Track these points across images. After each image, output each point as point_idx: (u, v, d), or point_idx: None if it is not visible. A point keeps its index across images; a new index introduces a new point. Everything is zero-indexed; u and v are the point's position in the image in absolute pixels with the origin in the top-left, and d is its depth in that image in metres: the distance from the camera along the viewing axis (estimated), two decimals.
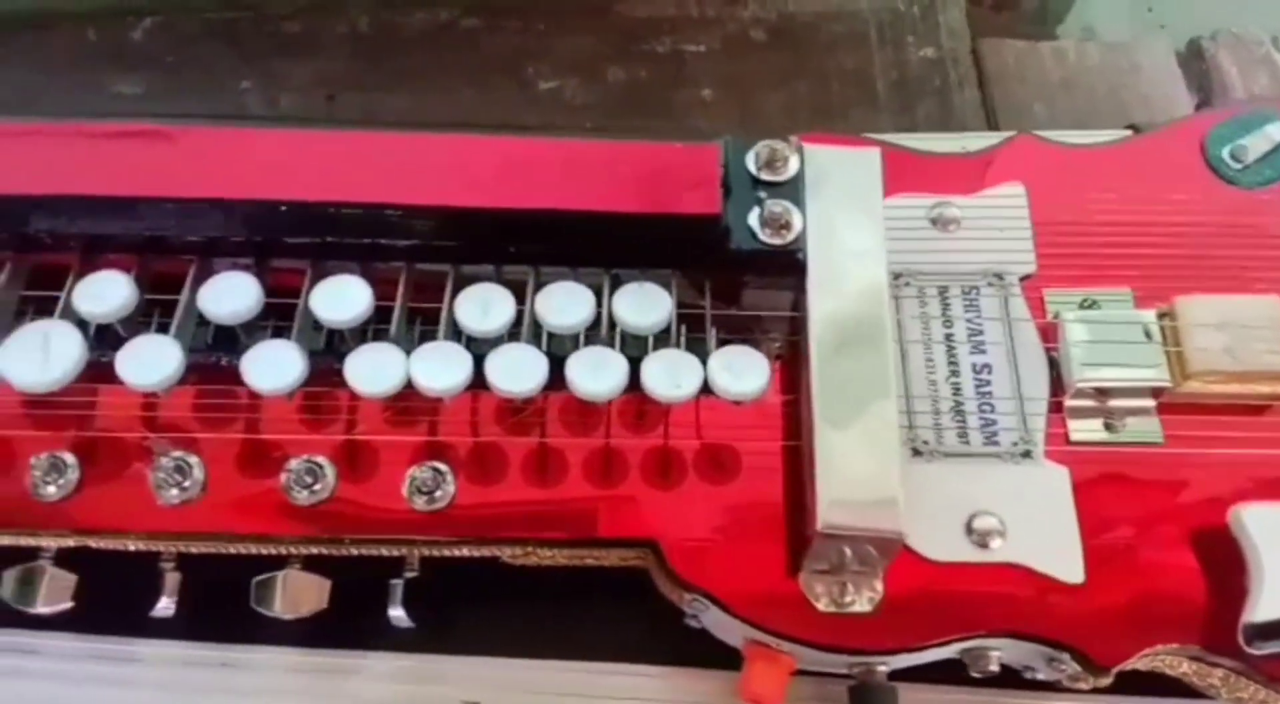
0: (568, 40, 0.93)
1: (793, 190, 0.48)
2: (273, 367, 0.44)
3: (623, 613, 0.54)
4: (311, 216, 0.46)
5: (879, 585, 0.46)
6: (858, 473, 0.44)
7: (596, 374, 0.44)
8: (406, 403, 0.49)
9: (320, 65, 0.90)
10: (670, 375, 0.44)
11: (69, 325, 0.45)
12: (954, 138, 0.59)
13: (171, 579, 0.49)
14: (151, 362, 0.44)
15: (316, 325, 0.48)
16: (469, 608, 0.53)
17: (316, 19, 0.93)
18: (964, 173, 0.56)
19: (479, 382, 0.46)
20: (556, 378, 0.46)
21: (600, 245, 0.48)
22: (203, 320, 0.47)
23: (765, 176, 0.48)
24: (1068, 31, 1.10)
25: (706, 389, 0.46)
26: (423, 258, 0.48)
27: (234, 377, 0.46)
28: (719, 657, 0.51)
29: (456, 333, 0.47)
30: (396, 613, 0.48)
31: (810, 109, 0.90)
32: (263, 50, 0.91)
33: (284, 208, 0.46)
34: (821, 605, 0.47)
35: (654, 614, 0.52)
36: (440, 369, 0.44)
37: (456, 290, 0.48)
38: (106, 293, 0.45)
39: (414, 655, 0.54)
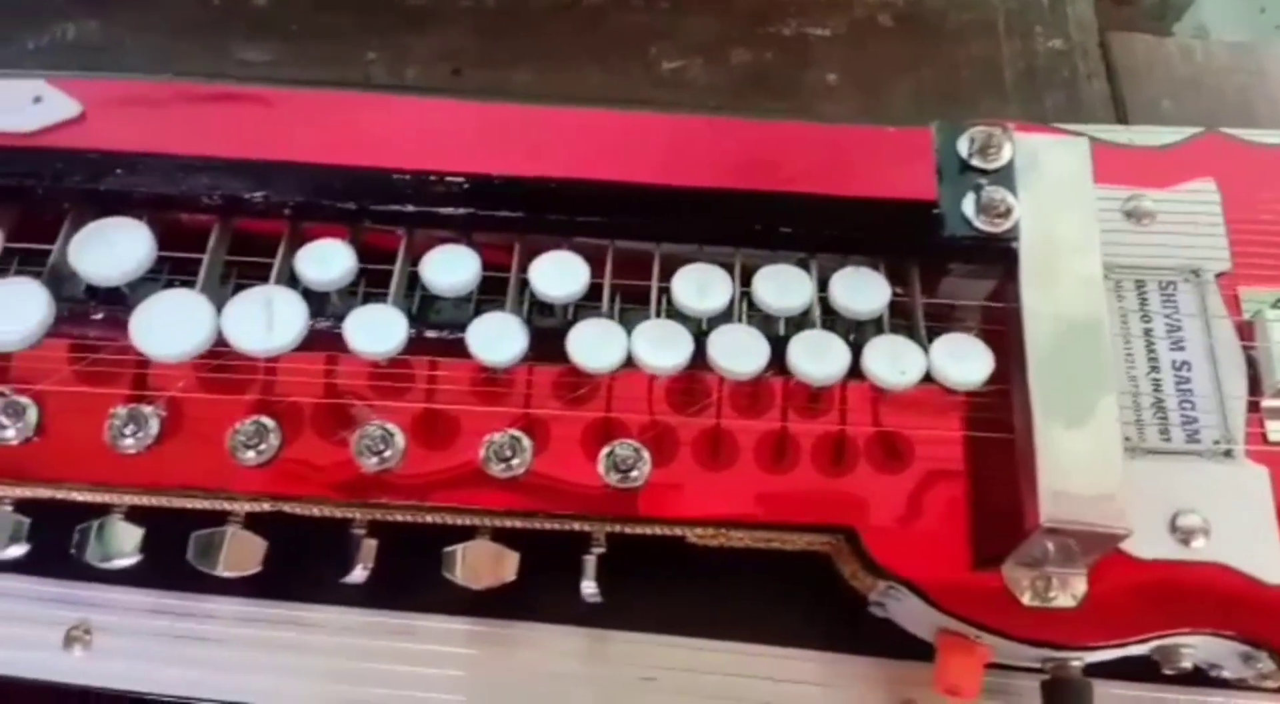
0: (692, 21, 0.92)
1: (1006, 177, 0.48)
2: (497, 339, 0.44)
3: (788, 595, 0.54)
4: (547, 192, 0.46)
5: (1084, 581, 0.46)
6: (1080, 467, 0.43)
7: (820, 358, 0.44)
8: (600, 380, 0.49)
9: (445, 39, 0.90)
10: (893, 362, 0.44)
11: (291, 291, 0.45)
12: (1136, 131, 0.58)
13: (367, 546, 0.49)
14: (380, 330, 0.44)
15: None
16: (646, 586, 0.53)
17: None
18: (1154, 166, 0.55)
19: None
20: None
21: (808, 229, 0.47)
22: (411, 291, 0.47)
23: (978, 163, 0.48)
24: (1182, 29, 1.09)
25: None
26: (631, 235, 0.48)
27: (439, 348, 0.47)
28: (878, 643, 0.52)
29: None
30: (590, 588, 0.48)
31: (938, 96, 0.89)
32: (387, 22, 0.91)
33: (516, 182, 0.45)
34: (1025, 599, 0.46)
35: (815, 598, 0.52)
36: (663, 347, 0.44)
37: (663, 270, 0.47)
38: (330, 260, 0.45)
39: (588, 630, 0.54)
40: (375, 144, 0.49)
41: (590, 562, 0.49)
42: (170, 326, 0.44)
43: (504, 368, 0.45)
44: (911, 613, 0.48)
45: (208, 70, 0.89)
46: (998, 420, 0.49)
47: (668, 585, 0.53)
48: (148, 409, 0.49)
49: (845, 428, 0.50)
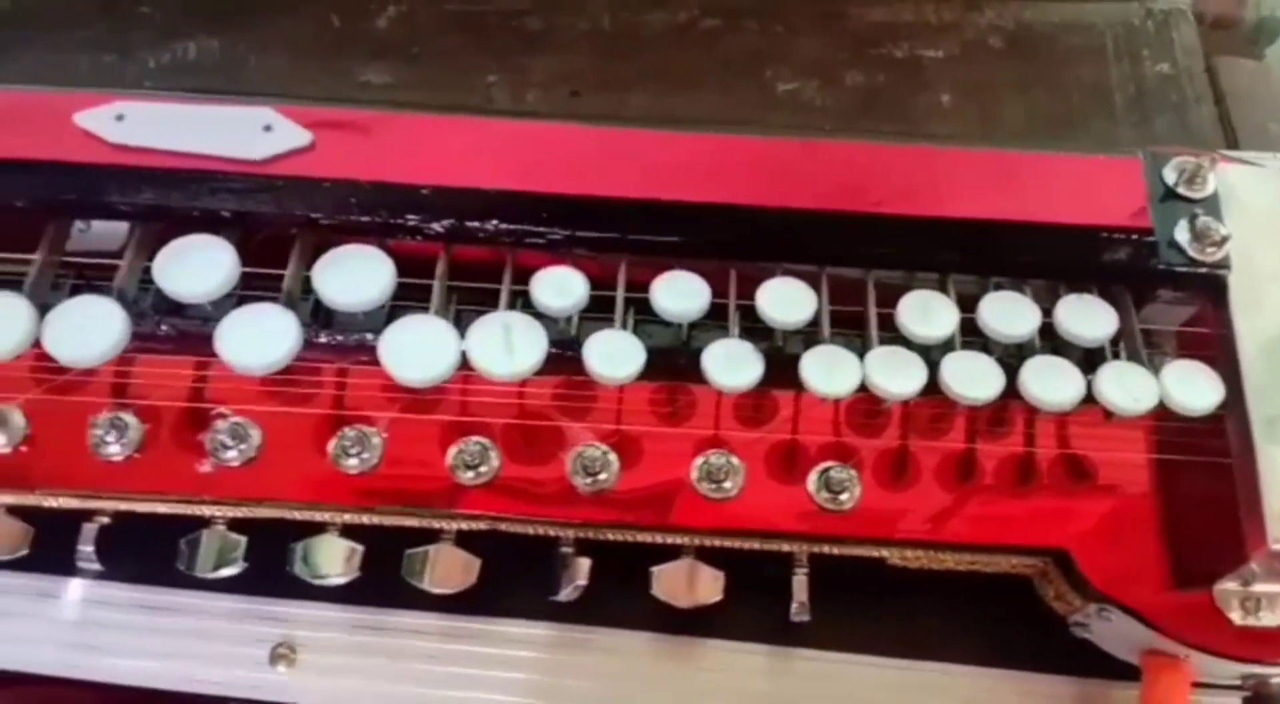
0: (805, 43, 0.93)
1: (1213, 207, 0.49)
2: (733, 365, 0.45)
3: (974, 616, 0.55)
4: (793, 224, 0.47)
5: None
6: None
7: (1054, 384, 0.45)
8: (812, 405, 0.51)
9: (564, 61, 0.91)
10: (1126, 388, 0.45)
11: (528, 318, 0.46)
12: None
13: (579, 564, 0.50)
14: (620, 356, 0.45)
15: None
16: (836, 606, 0.54)
17: (558, 15, 0.94)
18: None
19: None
20: None
21: (1024, 256, 0.48)
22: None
23: (1184, 192, 0.49)
24: (1275, 53, 1.10)
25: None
26: (849, 263, 0.49)
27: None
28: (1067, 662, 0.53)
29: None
30: (801, 603, 0.49)
31: (1049, 119, 0.90)
32: (507, 45, 0.92)
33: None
34: (1235, 618, 0.47)
35: (1002, 618, 0.53)
36: (896, 373, 0.45)
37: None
38: (568, 287, 0.46)
39: (772, 648, 0.55)
40: (612, 174, 0.50)
41: (801, 582, 0.50)
42: (418, 351, 0.45)
43: (739, 392, 0.46)
44: (1119, 634, 0.49)
45: (330, 92, 0.91)
46: (1193, 444, 0.50)
47: (863, 606, 0.54)
48: (370, 430, 0.50)
49: (1049, 452, 0.51)
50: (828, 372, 0.45)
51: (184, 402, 0.50)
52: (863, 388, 0.45)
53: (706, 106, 0.91)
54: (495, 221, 0.47)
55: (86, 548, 0.50)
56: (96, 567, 0.51)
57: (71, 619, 0.55)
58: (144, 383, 0.51)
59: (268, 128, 0.48)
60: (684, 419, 0.52)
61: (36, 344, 0.46)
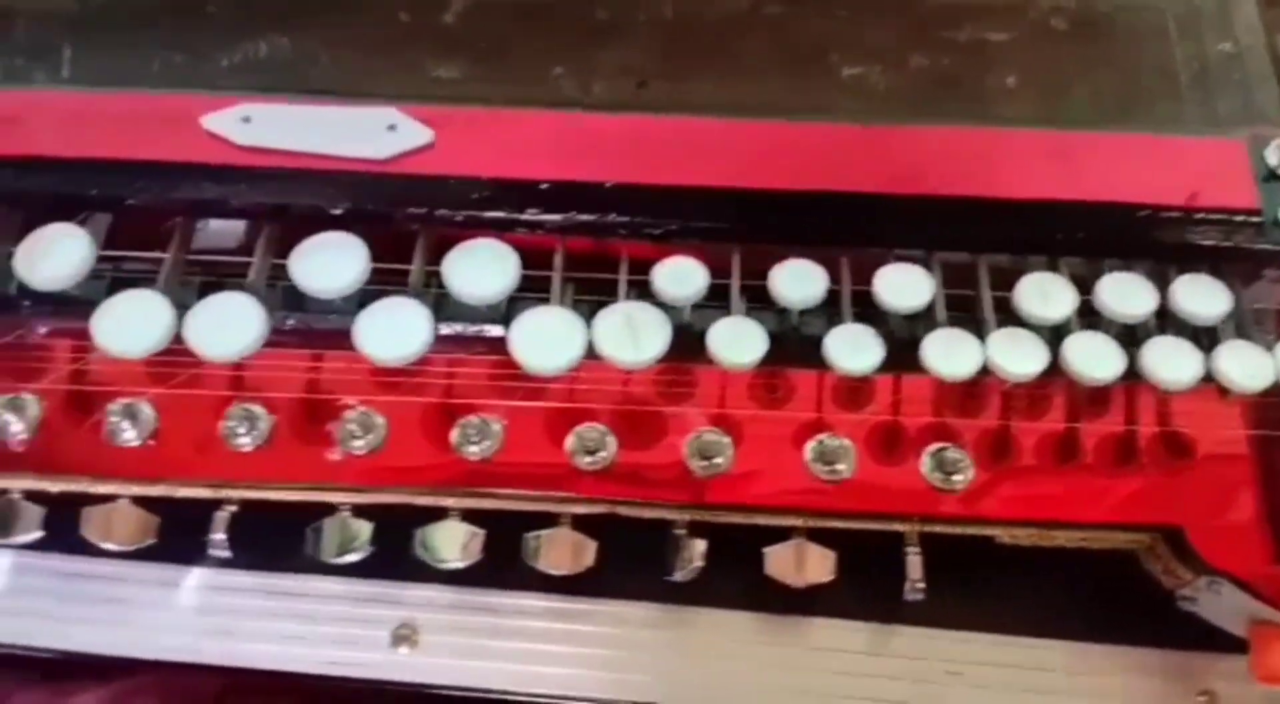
0: (869, 27, 0.93)
1: None
2: (856, 349, 0.46)
3: (1080, 591, 0.55)
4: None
5: None
6: None
7: (1176, 363, 0.46)
8: (913, 386, 0.52)
9: (629, 53, 0.92)
10: (1243, 367, 0.46)
11: (650, 307, 0.47)
12: None
13: (694, 546, 0.52)
14: (742, 342, 0.46)
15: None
16: (943, 583, 0.55)
17: (622, 7, 0.95)
18: None
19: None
20: None
21: (1134, 238, 0.49)
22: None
23: None
24: None
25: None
26: (959, 248, 0.50)
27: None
28: (1172, 635, 0.54)
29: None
30: (915, 581, 0.51)
31: (1116, 99, 0.90)
32: (572, 38, 0.93)
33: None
34: None
35: (1108, 593, 0.54)
36: (1019, 355, 0.46)
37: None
38: (688, 276, 0.47)
39: (882, 625, 0.56)
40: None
41: (915, 562, 0.51)
42: (547, 341, 0.46)
43: (861, 376, 0.47)
44: (1227, 606, 0.50)
45: (402, 88, 0.92)
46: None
47: (963, 582, 0.55)
48: (491, 419, 0.51)
49: (1151, 429, 0.52)
50: (947, 354, 0.46)
51: (310, 393, 0.52)
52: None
53: (772, 94, 0.92)
54: (613, 215, 0.49)
55: (219, 536, 0.52)
56: (227, 554, 0.52)
57: (197, 606, 0.57)
58: (267, 375, 0.53)
59: (391, 127, 0.49)
60: (788, 403, 0.53)
61: None
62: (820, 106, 0.91)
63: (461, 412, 0.52)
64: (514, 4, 0.97)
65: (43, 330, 0.53)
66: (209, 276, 0.52)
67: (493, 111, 0.53)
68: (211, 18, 0.92)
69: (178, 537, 0.54)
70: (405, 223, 0.49)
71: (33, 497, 0.53)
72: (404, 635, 0.55)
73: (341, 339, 0.48)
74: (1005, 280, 0.50)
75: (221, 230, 0.54)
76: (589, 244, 0.53)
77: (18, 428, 0.51)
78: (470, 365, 0.53)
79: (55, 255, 0.47)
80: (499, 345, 0.52)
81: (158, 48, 0.81)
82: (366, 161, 0.49)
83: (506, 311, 0.51)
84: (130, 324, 0.46)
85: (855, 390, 0.53)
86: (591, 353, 0.47)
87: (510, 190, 0.49)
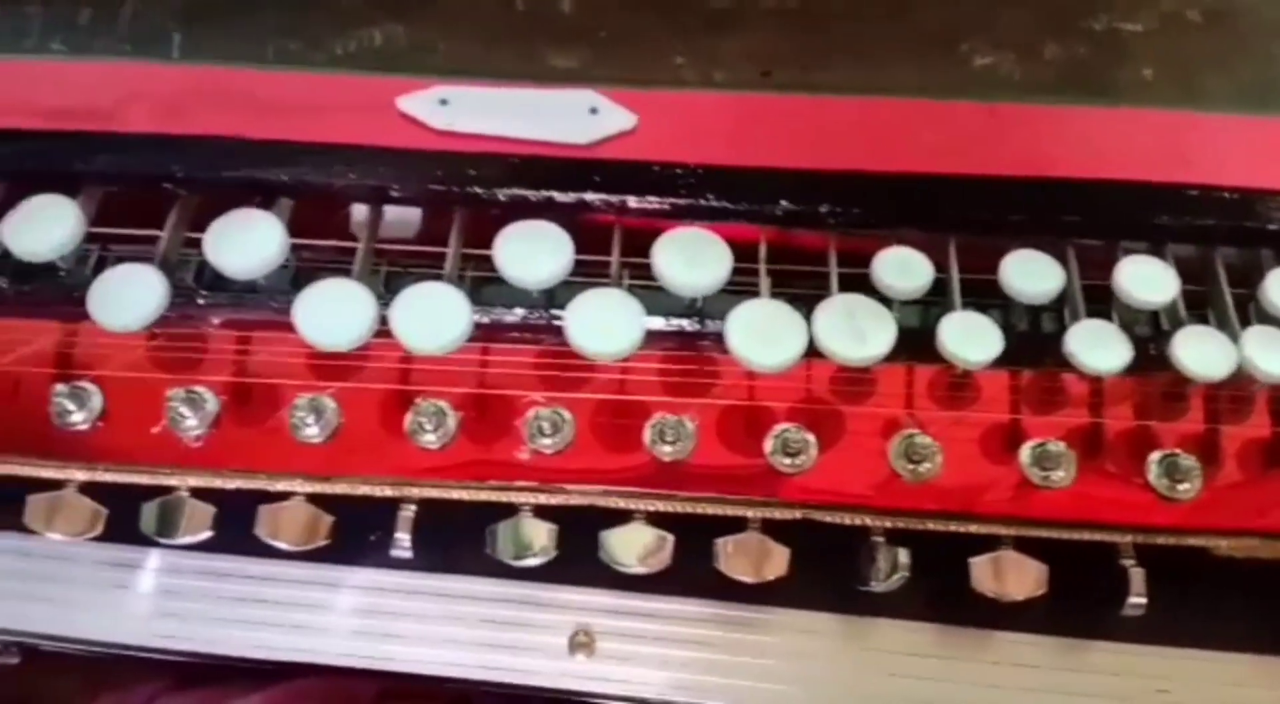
0: (1000, 15, 0.90)
1: None
2: (1098, 348, 0.44)
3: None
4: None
5: None
6: None
7: None
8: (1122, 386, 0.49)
9: (752, 39, 0.89)
10: None
11: (871, 301, 0.45)
12: None
13: (896, 555, 0.49)
14: (979, 338, 0.44)
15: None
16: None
17: None
18: None
19: None
20: None
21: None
22: None
23: None
24: None
25: None
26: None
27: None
28: None
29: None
30: (1139, 599, 0.48)
31: (1255, 91, 0.87)
32: (693, 25, 0.90)
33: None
34: None
35: None
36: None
37: None
38: (913, 268, 0.45)
39: (1079, 641, 0.53)
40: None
41: (1137, 576, 0.48)
42: (769, 337, 0.44)
43: (1105, 376, 0.45)
44: None
45: (521, 76, 0.90)
46: None
47: (1172, 595, 0.53)
48: (686, 418, 0.49)
49: None
50: (1200, 354, 0.43)
51: (499, 390, 0.50)
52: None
53: (902, 81, 0.89)
54: (828, 205, 0.46)
55: (404, 536, 0.50)
56: (409, 554, 0.50)
57: (362, 608, 0.55)
58: (451, 370, 0.51)
59: (593, 111, 0.47)
60: (994, 405, 0.51)
61: None
62: (951, 95, 0.88)
63: (648, 410, 0.50)
64: None
65: (217, 321, 0.51)
66: (392, 266, 0.50)
67: (698, 94, 0.50)
68: (326, 5, 0.91)
69: (341, 536, 0.52)
70: (605, 211, 0.47)
71: (201, 494, 0.51)
72: (582, 643, 0.53)
73: (527, 333, 0.46)
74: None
75: (402, 218, 0.52)
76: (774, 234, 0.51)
77: (192, 423, 0.49)
78: (660, 361, 0.51)
79: (243, 243, 0.45)
80: (690, 341, 0.50)
81: (271, 33, 0.79)
82: (568, 147, 0.47)
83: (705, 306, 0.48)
84: (329, 315, 0.44)
85: (1052, 390, 0.51)
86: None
87: (721, 177, 0.47)
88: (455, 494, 0.50)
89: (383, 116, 0.47)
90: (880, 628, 0.54)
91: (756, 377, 0.50)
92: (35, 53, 0.52)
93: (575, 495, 0.50)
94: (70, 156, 0.47)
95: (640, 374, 0.51)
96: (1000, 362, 0.49)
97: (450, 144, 0.47)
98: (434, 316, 0.44)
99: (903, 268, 0.45)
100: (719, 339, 0.46)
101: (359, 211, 0.53)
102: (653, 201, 0.46)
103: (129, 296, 0.44)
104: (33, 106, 0.49)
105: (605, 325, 0.44)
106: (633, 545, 0.50)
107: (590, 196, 0.46)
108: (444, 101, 0.47)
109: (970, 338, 0.44)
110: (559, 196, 0.46)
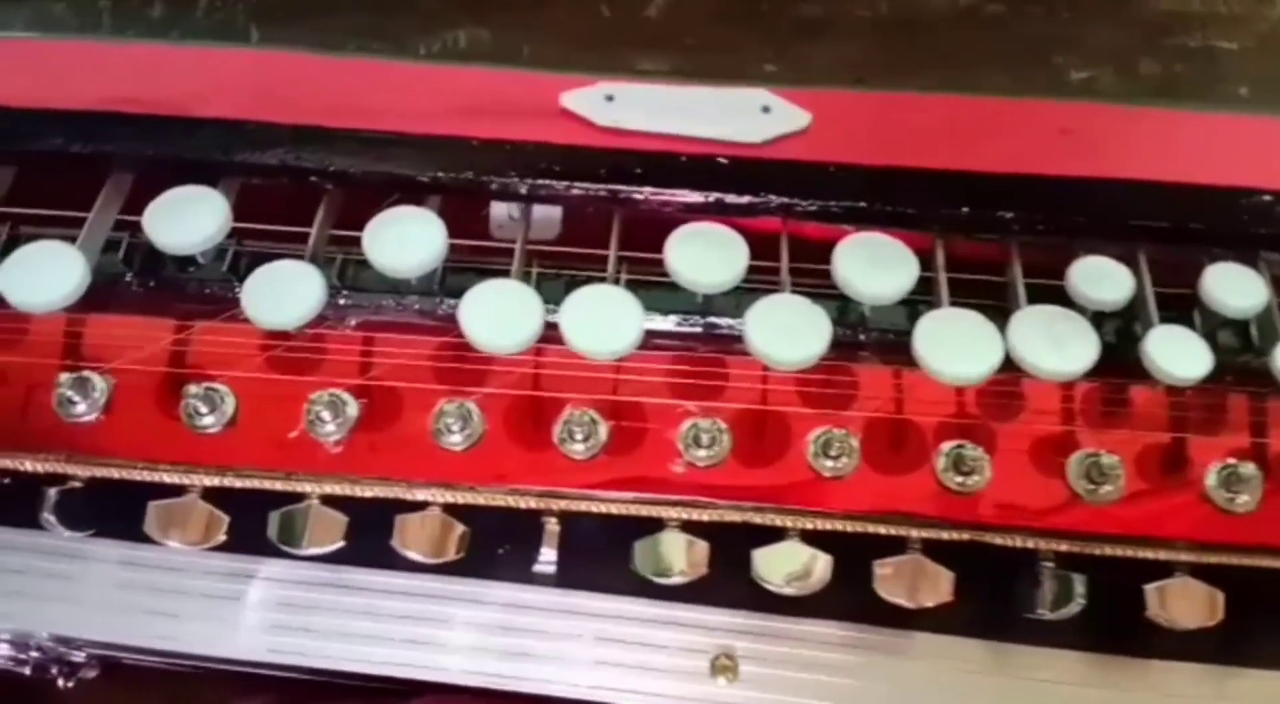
0: (1095, 30, 0.89)
1: None
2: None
3: None
4: None
5: None
6: None
7: None
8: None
9: (843, 48, 0.88)
10: None
11: (1069, 312, 0.43)
12: None
13: (1071, 581, 0.47)
14: (1188, 354, 0.42)
15: None
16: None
17: (834, 2, 0.91)
18: None
19: None
20: None
21: None
22: None
23: None
24: None
25: None
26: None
27: None
28: None
29: None
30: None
31: None
32: (783, 33, 0.89)
33: None
34: None
35: None
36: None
37: None
38: (1113, 278, 0.43)
39: (1230, 669, 0.51)
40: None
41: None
42: (961, 348, 0.42)
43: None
44: None
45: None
46: None
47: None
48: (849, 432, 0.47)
49: None
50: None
51: (654, 398, 0.48)
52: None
53: (994, 92, 0.88)
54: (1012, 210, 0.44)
55: (549, 552, 0.47)
56: (553, 571, 0.48)
57: (489, 624, 0.52)
58: (600, 377, 0.48)
59: (765, 109, 0.45)
60: (1170, 423, 0.48)
61: None
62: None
63: (810, 425, 0.47)
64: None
65: (353, 323, 0.48)
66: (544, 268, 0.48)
67: (869, 95, 0.48)
68: (409, 7, 0.90)
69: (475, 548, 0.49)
70: (777, 213, 0.45)
71: (331, 502, 0.49)
72: (724, 666, 0.51)
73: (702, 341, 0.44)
74: None
75: (545, 218, 0.49)
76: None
77: (331, 428, 0.47)
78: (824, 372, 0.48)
79: (401, 241, 0.43)
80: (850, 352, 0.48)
81: (350, 34, 0.77)
82: (740, 146, 0.45)
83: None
84: (498, 318, 0.42)
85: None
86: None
87: (893, 180, 0.45)
88: (602, 508, 0.47)
89: (548, 112, 0.45)
90: (1033, 656, 0.52)
91: (915, 389, 0.48)
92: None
93: (728, 511, 0.48)
94: (212, 147, 0.45)
95: (788, 384, 0.48)
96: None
97: (618, 142, 0.45)
98: (604, 321, 0.42)
99: (1100, 278, 0.43)
100: (882, 351, 0.44)
101: (499, 212, 0.51)
102: (824, 204, 0.44)
103: (287, 294, 0.42)
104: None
105: (788, 332, 0.42)
106: (785, 565, 0.48)
107: (761, 196, 0.44)
108: (610, 98, 0.45)
109: (1177, 353, 0.42)
110: (731, 198, 0.44)
